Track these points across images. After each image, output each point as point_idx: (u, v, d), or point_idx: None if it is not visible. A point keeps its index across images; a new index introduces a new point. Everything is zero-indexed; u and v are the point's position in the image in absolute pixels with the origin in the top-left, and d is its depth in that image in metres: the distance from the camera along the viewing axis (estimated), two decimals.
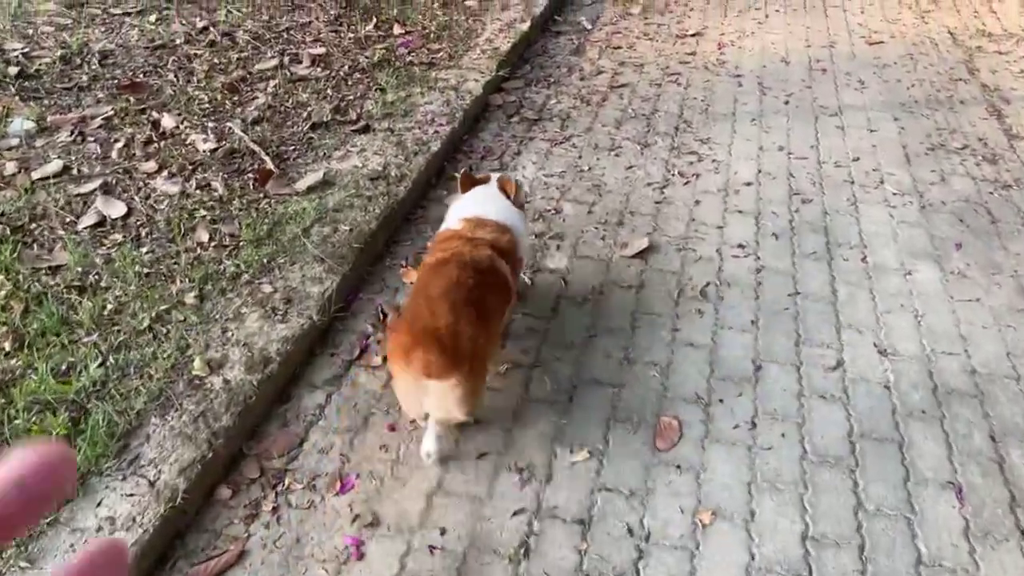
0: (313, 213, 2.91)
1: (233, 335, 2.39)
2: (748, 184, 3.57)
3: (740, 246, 3.14)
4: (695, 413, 2.38)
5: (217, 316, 2.45)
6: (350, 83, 3.93)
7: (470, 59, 4.33)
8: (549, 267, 3.00)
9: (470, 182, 2.45)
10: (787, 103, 4.35)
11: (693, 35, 5.20)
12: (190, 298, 2.48)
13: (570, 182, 3.54)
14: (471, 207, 2.31)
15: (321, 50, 4.17)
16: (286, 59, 4.06)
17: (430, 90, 3.94)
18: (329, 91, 3.82)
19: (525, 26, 4.83)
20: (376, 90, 3.88)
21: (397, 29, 4.56)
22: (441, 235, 2.27)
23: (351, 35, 4.39)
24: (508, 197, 2.38)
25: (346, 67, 4.06)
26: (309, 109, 3.63)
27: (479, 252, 2.11)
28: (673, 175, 3.62)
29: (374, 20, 4.66)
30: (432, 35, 4.55)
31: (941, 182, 3.63)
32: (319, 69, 4.00)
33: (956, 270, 3.04)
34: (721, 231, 3.24)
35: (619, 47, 4.96)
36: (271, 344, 2.37)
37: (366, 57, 4.13)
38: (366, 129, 3.54)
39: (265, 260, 2.68)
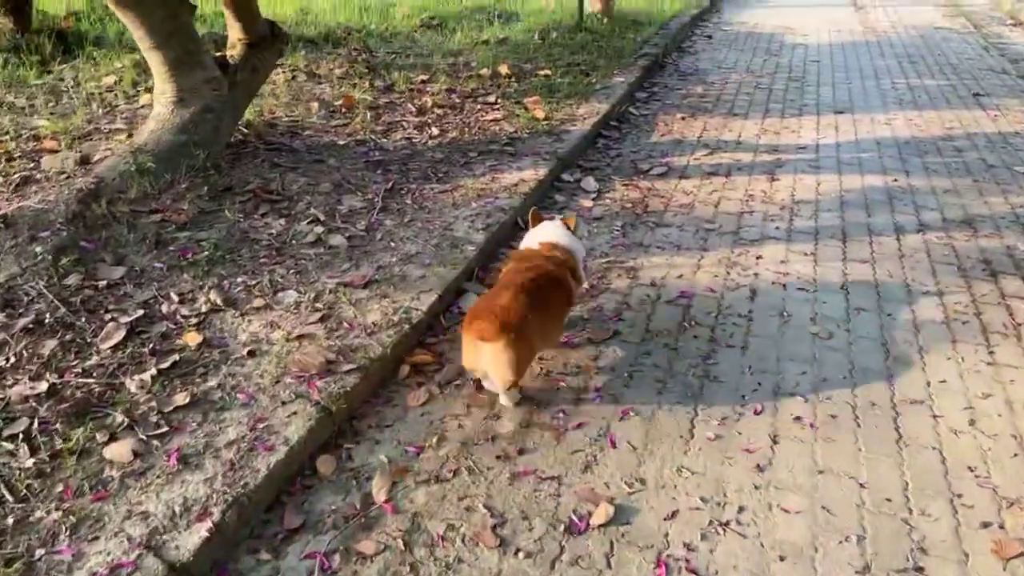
0: None
1: None
2: None
3: None
4: None
5: None
6: None
7: None
8: None
9: (538, 218, 3.22)
10: None
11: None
12: None
13: None
14: (546, 235, 3.07)
15: None
16: None
17: None
18: None
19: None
20: None
21: None
22: (519, 253, 3.07)
23: None
24: (570, 230, 3.13)
25: None
26: None
27: (553, 266, 2.90)
28: None
29: None
30: None
31: None
32: None
33: None
34: None
35: None
36: None
37: None
38: None
39: None
